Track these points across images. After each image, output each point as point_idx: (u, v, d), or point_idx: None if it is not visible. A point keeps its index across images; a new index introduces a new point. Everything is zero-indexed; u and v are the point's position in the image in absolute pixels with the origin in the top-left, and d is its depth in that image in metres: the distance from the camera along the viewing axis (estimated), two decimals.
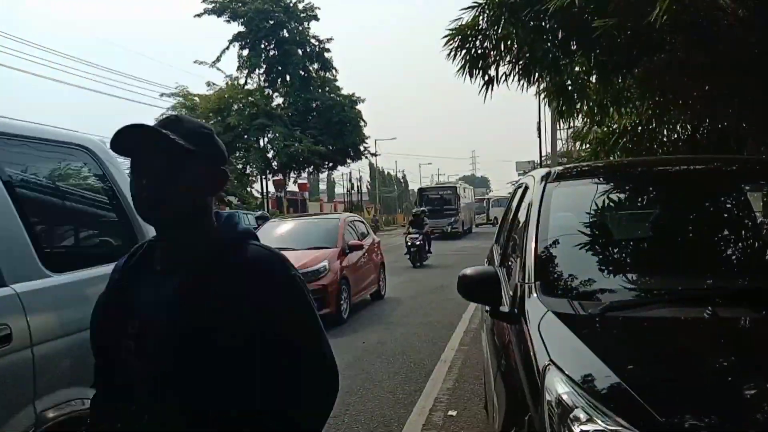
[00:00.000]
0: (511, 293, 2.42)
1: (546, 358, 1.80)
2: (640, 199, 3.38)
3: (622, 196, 3.23)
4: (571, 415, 1.59)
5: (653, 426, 1.50)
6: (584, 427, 1.55)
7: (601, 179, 3.28)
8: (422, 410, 4.90)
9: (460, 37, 6.27)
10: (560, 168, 3.31)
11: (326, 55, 36.24)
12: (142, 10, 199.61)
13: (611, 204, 3.02)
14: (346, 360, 6.67)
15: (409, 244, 17.07)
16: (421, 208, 21.41)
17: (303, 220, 12.24)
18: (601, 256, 2.66)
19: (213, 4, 33.52)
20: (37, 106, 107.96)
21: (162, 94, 32.26)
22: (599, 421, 1.55)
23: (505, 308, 2.42)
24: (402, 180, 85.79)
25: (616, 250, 2.83)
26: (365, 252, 10.58)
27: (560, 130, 28.23)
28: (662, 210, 3.06)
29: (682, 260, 2.57)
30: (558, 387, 1.68)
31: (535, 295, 2.19)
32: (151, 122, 1.45)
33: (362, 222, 12.16)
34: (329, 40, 36.27)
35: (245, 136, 31.65)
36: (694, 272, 2.45)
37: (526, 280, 2.30)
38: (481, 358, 5.74)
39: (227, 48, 34.12)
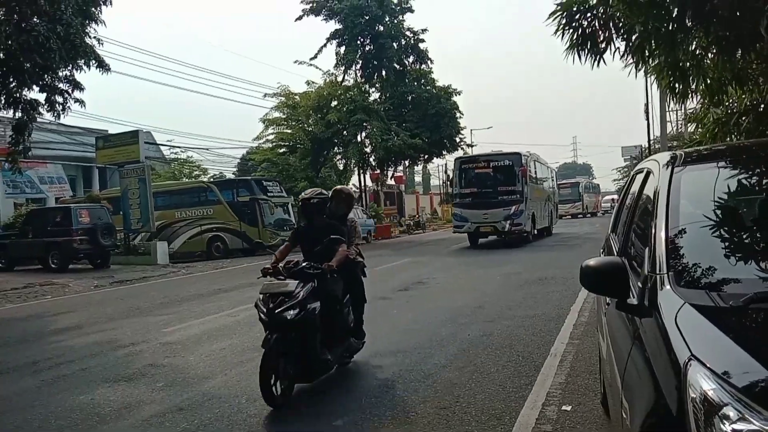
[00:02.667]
0: (639, 285, 2.31)
1: (687, 352, 1.70)
2: None
3: (754, 179, 2.99)
4: (719, 413, 1.50)
5: None
6: (736, 426, 1.45)
7: (730, 162, 3.07)
8: (534, 404, 4.79)
9: (566, 14, 6.06)
10: (685, 151, 3.11)
11: (421, 46, 36.20)
12: (244, 16, 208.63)
13: (744, 188, 2.81)
14: (451, 351, 6.67)
15: (264, 316, 5.15)
16: (317, 194, 6.05)
17: None
18: (736, 245, 2.47)
19: (311, 4, 34.42)
20: (154, 112, 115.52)
21: (265, 95, 33.67)
22: (754, 420, 1.44)
23: (633, 301, 2.31)
24: None
25: (752, 238, 2.62)
26: None
27: (669, 111, 26.64)
28: None
29: None
30: (702, 383, 1.58)
31: (668, 286, 2.08)
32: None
33: None
34: (424, 31, 36.25)
35: (344, 132, 32.27)
36: None
37: (657, 271, 2.18)
38: (594, 352, 5.54)
39: (324, 45, 34.93)
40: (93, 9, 16.17)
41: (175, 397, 5.52)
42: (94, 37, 16.64)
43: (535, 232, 23.10)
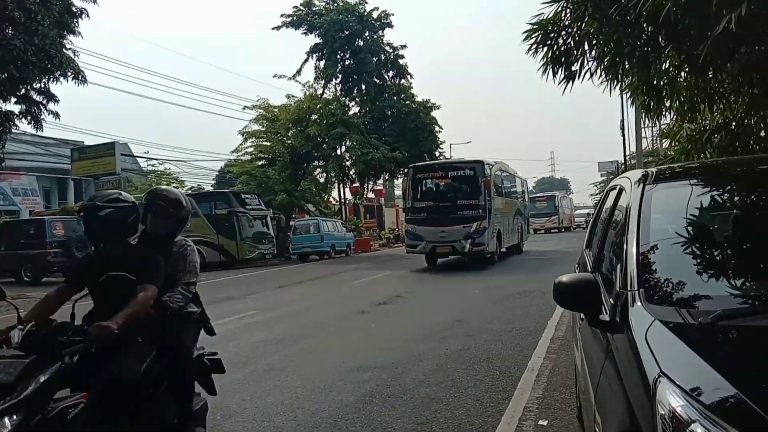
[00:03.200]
0: (611, 301, 2.34)
1: (656, 369, 1.72)
2: (744, 200, 3.18)
3: (725, 197, 3.06)
4: (688, 430, 1.52)
5: None
6: None
7: (701, 180, 3.13)
8: (511, 419, 4.80)
9: (541, 32, 6.15)
10: (657, 169, 3.17)
11: (400, 61, 36.49)
12: (223, 27, 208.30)
13: (714, 206, 2.87)
14: (429, 366, 6.65)
15: None
16: (109, 200, 3.53)
17: None
18: (707, 262, 2.52)
19: (290, 18, 34.53)
20: (130, 123, 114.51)
21: (245, 107, 33.62)
22: None
23: (605, 317, 2.33)
24: None
25: (722, 255, 2.67)
26: None
27: (645, 128, 27.14)
28: None
29: None
30: (671, 400, 1.60)
31: (639, 303, 2.10)
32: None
33: None
34: (403, 47, 36.57)
35: (323, 146, 32.28)
36: None
37: (629, 288, 2.21)
38: (570, 367, 5.58)
39: (306, 61, 35.00)
40: (70, 20, 16.07)
41: None
42: (70, 49, 16.52)
43: (503, 249, 21.16)
